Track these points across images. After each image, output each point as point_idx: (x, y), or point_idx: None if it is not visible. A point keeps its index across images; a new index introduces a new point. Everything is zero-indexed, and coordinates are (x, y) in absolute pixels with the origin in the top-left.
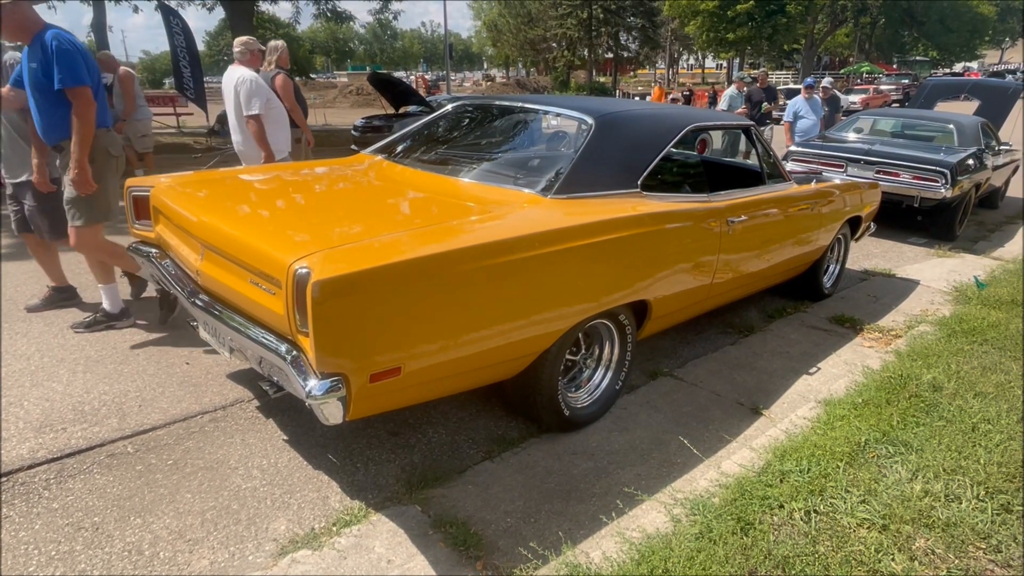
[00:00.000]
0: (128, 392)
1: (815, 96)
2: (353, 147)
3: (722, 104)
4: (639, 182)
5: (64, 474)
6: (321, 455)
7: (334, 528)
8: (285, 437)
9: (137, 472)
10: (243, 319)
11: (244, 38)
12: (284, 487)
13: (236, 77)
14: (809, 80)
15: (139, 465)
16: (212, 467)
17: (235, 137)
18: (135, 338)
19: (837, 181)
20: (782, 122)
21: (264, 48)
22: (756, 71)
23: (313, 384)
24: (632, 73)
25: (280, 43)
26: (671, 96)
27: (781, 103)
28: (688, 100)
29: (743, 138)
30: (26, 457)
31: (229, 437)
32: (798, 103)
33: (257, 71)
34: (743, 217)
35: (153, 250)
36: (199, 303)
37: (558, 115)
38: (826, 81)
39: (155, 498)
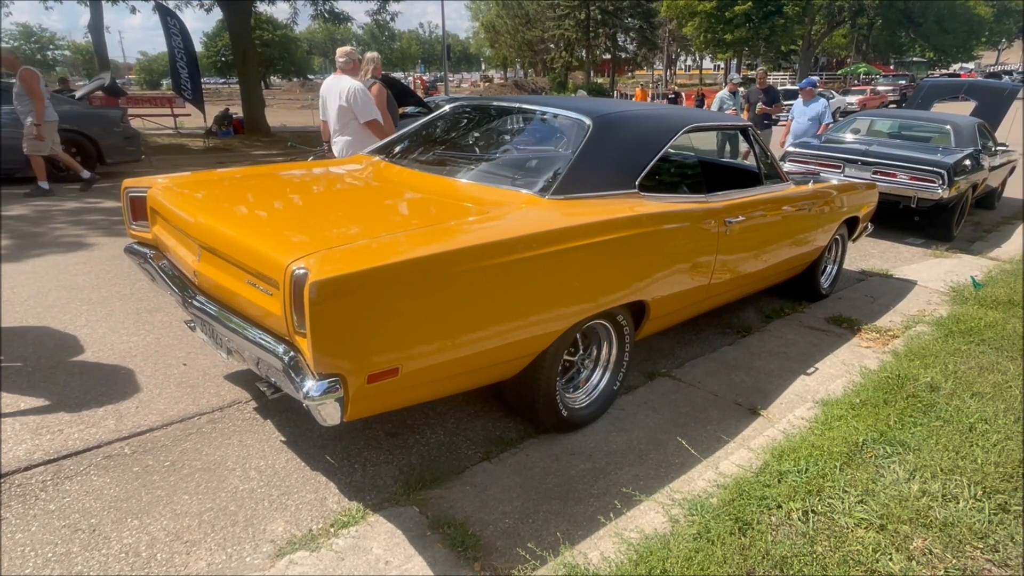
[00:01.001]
0: (125, 393)
1: (819, 99)
2: None
3: (713, 106)
4: (637, 182)
5: (61, 476)
6: (319, 456)
7: (332, 529)
8: (283, 438)
9: (134, 474)
10: (240, 320)
11: (347, 48)
12: (282, 488)
13: (346, 87)
14: (804, 82)
15: (136, 467)
16: (210, 468)
17: (340, 138)
18: (132, 339)
19: (834, 182)
20: (783, 121)
21: (361, 58)
22: (753, 71)
23: (311, 385)
24: (630, 74)
25: (375, 55)
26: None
27: (786, 109)
28: (674, 102)
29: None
30: (23, 458)
31: (227, 438)
32: (796, 105)
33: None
34: (741, 218)
35: (150, 251)
36: (196, 304)
37: (556, 116)
38: (812, 80)
39: (152, 499)
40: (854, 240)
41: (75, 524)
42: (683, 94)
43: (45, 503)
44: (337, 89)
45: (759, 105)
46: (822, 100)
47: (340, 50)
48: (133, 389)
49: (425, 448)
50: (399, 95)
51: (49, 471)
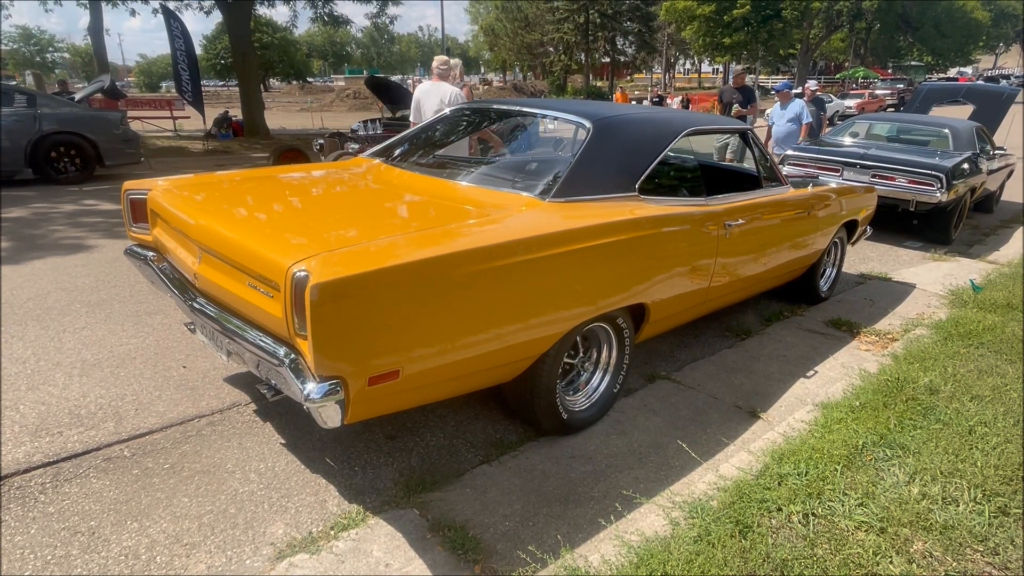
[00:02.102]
0: (125, 396)
1: (795, 100)
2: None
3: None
4: (637, 185)
5: (60, 478)
6: (319, 459)
7: (332, 532)
8: (283, 441)
9: (134, 476)
10: (241, 322)
11: (444, 57)
12: (282, 491)
13: (448, 92)
14: (780, 85)
15: (136, 469)
16: (209, 471)
17: None
18: (132, 341)
19: (833, 185)
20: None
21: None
22: (752, 74)
23: (311, 387)
24: (629, 78)
25: (459, 61)
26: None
27: (765, 112)
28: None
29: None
30: (22, 461)
31: (226, 441)
32: (774, 110)
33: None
34: (740, 221)
35: (150, 253)
36: (196, 306)
37: (556, 119)
38: (811, 83)
39: (152, 502)
40: (853, 243)
41: (74, 527)
42: (667, 98)
43: (44, 506)
44: (437, 94)
45: (735, 107)
46: (798, 101)
47: (438, 58)
48: (132, 391)
49: (425, 451)
50: (398, 98)
51: (48, 473)
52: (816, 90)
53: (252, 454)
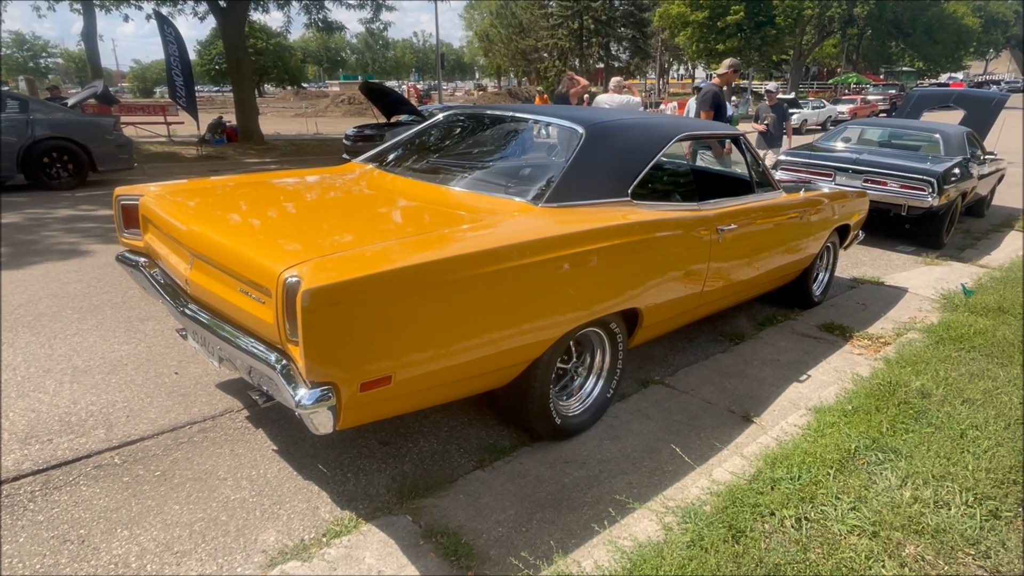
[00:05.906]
0: (116, 403)
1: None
2: (345, 156)
3: (690, 112)
4: (629, 191)
5: (50, 486)
6: (311, 465)
7: (324, 539)
8: (275, 447)
9: (124, 483)
10: (232, 328)
11: (618, 78)
12: (273, 498)
13: (625, 100)
14: (702, 85)
15: (126, 476)
16: (200, 478)
17: None
18: (124, 347)
19: (825, 190)
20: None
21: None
22: (746, 80)
23: (303, 393)
24: None
25: (619, 79)
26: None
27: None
28: None
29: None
30: (11, 469)
31: (218, 448)
32: (688, 104)
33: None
34: (733, 226)
35: (142, 259)
36: (188, 312)
37: (549, 124)
38: (771, 85)
39: (142, 510)
40: (845, 248)
41: (64, 535)
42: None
43: (33, 514)
44: (616, 102)
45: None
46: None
47: (616, 80)
48: (124, 398)
49: (418, 456)
50: (393, 104)
51: (38, 481)
52: (777, 93)
53: (244, 461)
